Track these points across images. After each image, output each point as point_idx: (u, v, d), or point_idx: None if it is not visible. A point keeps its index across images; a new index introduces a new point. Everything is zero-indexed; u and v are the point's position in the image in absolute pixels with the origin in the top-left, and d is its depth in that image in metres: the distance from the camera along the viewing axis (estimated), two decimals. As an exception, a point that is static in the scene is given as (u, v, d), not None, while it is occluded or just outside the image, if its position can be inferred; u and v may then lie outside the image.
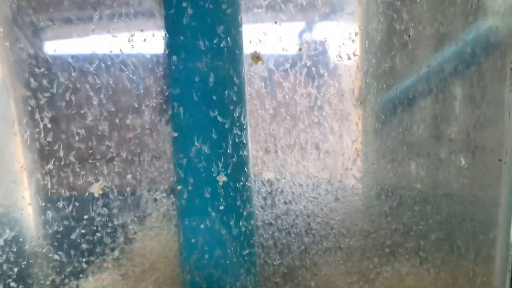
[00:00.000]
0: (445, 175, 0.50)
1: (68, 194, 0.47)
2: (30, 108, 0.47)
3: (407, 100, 0.51)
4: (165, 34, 0.40)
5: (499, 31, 0.47)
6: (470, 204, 0.48)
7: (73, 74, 0.46)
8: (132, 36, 0.45)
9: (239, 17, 0.40)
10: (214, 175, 0.40)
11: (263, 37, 0.46)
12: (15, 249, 0.45)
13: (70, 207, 0.47)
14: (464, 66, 0.48)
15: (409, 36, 0.46)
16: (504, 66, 0.46)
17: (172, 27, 0.40)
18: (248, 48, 0.43)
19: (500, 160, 0.45)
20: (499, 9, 0.47)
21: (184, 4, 0.39)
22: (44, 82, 0.46)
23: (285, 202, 0.49)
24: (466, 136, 0.49)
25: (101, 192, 0.43)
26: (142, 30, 0.45)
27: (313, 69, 0.48)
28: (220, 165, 0.41)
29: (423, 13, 0.50)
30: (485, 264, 0.48)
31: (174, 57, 0.40)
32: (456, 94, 0.50)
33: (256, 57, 0.38)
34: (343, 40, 0.49)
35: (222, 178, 0.38)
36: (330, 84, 0.49)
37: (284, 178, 0.49)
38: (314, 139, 0.50)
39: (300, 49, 0.44)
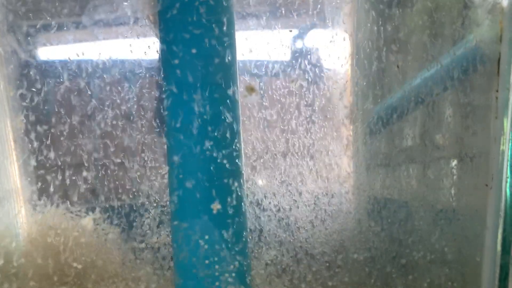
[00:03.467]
0: (432, 194, 0.50)
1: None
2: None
3: (395, 114, 0.51)
4: (159, 43, 0.40)
5: (484, 45, 0.48)
6: (457, 225, 0.49)
7: (63, 80, 0.46)
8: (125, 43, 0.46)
9: (233, 26, 0.40)
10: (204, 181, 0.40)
11: (255, 45, 0.46)
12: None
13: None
14: (450, 83, 0.49)
15: (398, 67, 0.47)
16: (490, 95, 0.47)
17: (165, 35, 0.40)
18: (240, 55, 0.43)
19: (487, 185, 0.47)
20: (484, 22, 0.48)
21: (178, 14, 0.39)
22: (34, 86, 0.46)
23: (277, 210, 0.49)
24: (454, 158, 0.50)
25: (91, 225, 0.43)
26: (138, 37, 0.45)
27: (304, 77, 0.49)
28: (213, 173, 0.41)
29: (412, 26, 0.50)
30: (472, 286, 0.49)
31: (167, 66, 0.40)
32: (444, 109, 0.50)
33: (250, 89, 0.39)
34: (334, 49, 0.49)
35: (216, 206, 0.38)
36: (321, 92, 0.49)
37: (274, 187, 0.49)
38: (304, 148, 0.50)
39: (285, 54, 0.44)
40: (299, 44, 0.49)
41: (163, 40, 0.39)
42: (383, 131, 0.52)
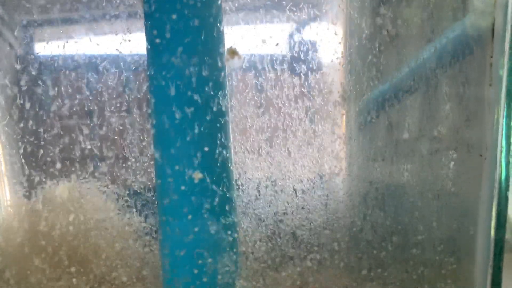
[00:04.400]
0: (427, 172, 0.50)
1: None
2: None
3: (390, 99, 0.51)
4: (145, 33, 0.40)
5: (480, 28, 0.47)
6: (452, 200, 0.48)
7: (56, 75, 0.46)
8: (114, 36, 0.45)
9: (220, 16, 0.40)
10: (192, 172, 0.40)
11: (245, 37, 0.45)
12: None
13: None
14: (446, 63, 0.49)
15: (387, 31, 0.46)
16: (484, 62, 0.46)
17: (151, 26, 0.40)
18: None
19: (481, 155, 0.46)
20: (479, 5, 0.47)
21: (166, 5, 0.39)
22: (27, 81, 0.46)
23: (268, 201, 0.49)
24: (448, 133, 0.49)
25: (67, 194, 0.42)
26: (128, 31, 0.45)
27: (296, 68, 0.48)
28: (200, 163, 0.40)
29: (406, 10, 0.50)
30: (466, 259, 0.48)
31: (154, 55, 0.40)
32: (438, 92, 0.50)
33: (232, 52, 0.38)
34: (326, 38, 0.49)
35: (197, 175, 0.37)
36: (314, 82, 0.49)
37: (266, 176, 0.49)
38: (297, 138, 0.50)
39: (277, 44, 0.44)
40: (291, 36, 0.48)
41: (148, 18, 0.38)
42: (382, 106, 0.51)
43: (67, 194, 0.41)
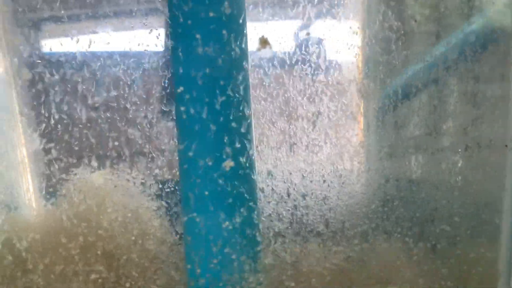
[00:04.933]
0: (450, 165, 0.50)
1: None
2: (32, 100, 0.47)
3: (409, 93, 0.51)
4: (168, 28, 0.40)
5: (502, 24, 0.47)
6: (476, 191, 0.48)
7: (73, 70, 0.46)
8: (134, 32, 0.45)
9: (244, 12, 0.40)
10: (218, 165, 0.40)
11: (266, 33, 0.45)
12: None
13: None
14: (467, 57, 0.49)
15: (415, 21, 0.46)
16: (508, 56, 0.46)
17: (175, 22, 0.40)
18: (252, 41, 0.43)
19: (506, 146, 0.46)
20: (501, 1, 0.47)
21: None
22: (45, 76, 0.46)
23: (287, 195, 0.49)
24: (470, 126, 0.49)
25: (101, 180, 0.43)
26: (146, 26, 0.45)
27: (314, 64, 0.48)
28: (225, 155, 0.41)
29: (425, 5, 0.50)
30: (490, 250, 0.48)
31: (178, 51, 0.40)
32: (460, 84, 0.50)
33: (263, 41, 0.38)
34: (344, 33, 0.49)
35: (229, 163, 0.38)
36: (332, 78, 0.49)
37: (283, 172, 0.49)
38: (316, 133, 0.50)
39: (308, 34, 0.44)
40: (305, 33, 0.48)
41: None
42: (401, 101, 0.51)
43: (101, 180, 0.42)
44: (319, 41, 0.48)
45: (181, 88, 0.40)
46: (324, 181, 0.50)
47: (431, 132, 0.51)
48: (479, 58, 0.48)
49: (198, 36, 0.38)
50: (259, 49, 0.38)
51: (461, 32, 0.49)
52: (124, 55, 0.46)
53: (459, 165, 0.49)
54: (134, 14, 0.45)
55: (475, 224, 0.48)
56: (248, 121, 0.40)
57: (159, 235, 0.47)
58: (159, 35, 0.45)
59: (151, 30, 0.45)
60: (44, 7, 0.46)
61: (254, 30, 0.44)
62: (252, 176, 0.42)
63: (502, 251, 0.47)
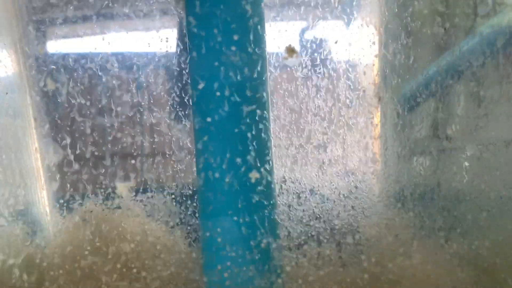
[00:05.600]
0: (471, 171, 0.49)
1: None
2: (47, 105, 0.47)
3: (426, 95, 0.50)
4: (186, 31, 0.40)
5: None
6: (499, 199, 0.47)
7: (91, 72, 0.46)
8: (153, 34, 0.45)
9: (262, 15, 0.40)
10: (238, 171, 0.40)
11: (284, 37, 0.45)
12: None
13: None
14: (484, 59, 0.48)
15: (445, 29, 0.45)
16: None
17: (193, 24, 0.40)
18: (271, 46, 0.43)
19: None
20: None
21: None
22: (62, 80, 0.46)
23: (305, 198, 0.49)
24: (491, 131, 0.48)
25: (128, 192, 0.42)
26: (162, 28, 0.45)
27: (330, 66, 0.48)
28: (244, 162, 0.40)
29: (441, 6, 0.49)
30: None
31: (195, 54, 0.40)
32: (477, 88, 0.49)
33: (290, 50, 0.38)
34: (360, 37, 0.48)
35: (255, 175, 0.37)
36: (349, 80, 0.49)
37: (302, 176, 0.49)
38: (332, 136, 0.49)
39: (336, 42, 0.44)
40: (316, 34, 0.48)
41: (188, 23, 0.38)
42: (418, 103, 0.50)
43: (126, 192, 0.41)
44: (335, 44, 0.48)
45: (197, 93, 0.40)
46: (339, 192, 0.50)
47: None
48: (497, 59, 0.48)
49: (215, 38, 0.38)
50: (285, 58, 0.37)
51: (480, 34, 0.48)
52: (143, 57, 0.46)
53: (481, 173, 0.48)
54: (153, 16, 0.45)
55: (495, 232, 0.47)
56: (267, 126, 0.40)
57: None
58: (171, 37, 0.44)
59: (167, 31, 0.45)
60: (59, 11, 0.45)
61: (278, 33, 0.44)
62: (271, 184, 0.41)
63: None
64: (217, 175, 0.40)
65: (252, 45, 0.38)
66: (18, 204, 0.46)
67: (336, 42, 0.44)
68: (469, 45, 0.49)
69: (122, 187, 0.41)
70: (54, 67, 0.46)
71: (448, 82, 0.49)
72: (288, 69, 0.46)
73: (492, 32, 0.48)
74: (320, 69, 0.47)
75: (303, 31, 0.47)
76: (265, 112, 0.39)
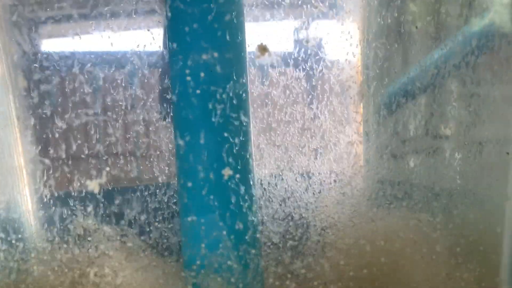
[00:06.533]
0: (450, 171, 0.49)
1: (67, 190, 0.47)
2: (29, 104, 0.47)
3: (409, 95, 0.51)
4: (166, 29, 0.40)
5: (503, 24, 0.47)
6: (477, 198, 0.48)
7: (73, 71, 0.46)
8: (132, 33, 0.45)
9: (242, 15, 0.40)
10: (216, 169, 0.40)
11: (264, 35, 0.45)
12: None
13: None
14: (468, 59, 0.48)
15: (416, 27, 0.45)
16: (509, 58, 0.46)
17: (173, 22, 0.40)
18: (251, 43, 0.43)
19: (508, 153, 0.45)
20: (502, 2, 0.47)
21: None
22: (43, 78, 0.46)
23: (285, 199, 0.49)
24: (471, 131, 0.49)
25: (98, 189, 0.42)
26: (147, 29, 0.45)
27: (312, 66, 0.48)
28: (223, 159, 0.41)
29: (425, 6, 0.50)
30: (492, 258, 0.47)
31: (175, 52, 0.40)
32: (460, 88, 0.49)
33: (262, 49, 0.38)
34: (342, 35, 0.48)
35: (227, 172, 0.37)
36: (330, 79, 0.49)
37: (283, 174, 0.49)
38: (314, 136, 0.49)
39: (307, 42, 0.44)
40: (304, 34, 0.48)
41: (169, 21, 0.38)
42: (400, 103, 0.51)
43: (98, 189, 0.41)
44: (318, 43, 0.48)
45: (177, 91, 0.40)
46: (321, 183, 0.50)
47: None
48: (481, 59, 0.48)
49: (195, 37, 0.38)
50: (258, 57, 0.37)
51: (462, 35, 0.48)
52: (124, 56, 0.46)
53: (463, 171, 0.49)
54: (133, 15, 0.45)
55: (475, 230, 0.48)
56: (246, 124, 0.40)
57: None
58: (155, 35, 0.44)
59: (148, 30, 0.45)
60: (42, 8, 0.46)
61: (253, 32, 0.44)
62: (250, 181, 0.41)
63: (504, 260, 0.46)
64: (197, 173, 0.40)
65: (231, 44, 0.38)
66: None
67: (307, 42, 0.44)
68: (451, 46, 0.49)
69: (94, 184, 0.41)
70: (37, 65, 0.46)
71: (432, 81, 0.50)
72: (268, 68, 0.46)
73: (474, 33, 0.48)
74: (300, 67, 0.48)
75: (296, 30, 0.48)
76: (245, 111, 0.40)
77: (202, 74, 0.39)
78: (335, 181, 0.50)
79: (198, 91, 0.39)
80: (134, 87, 0.47)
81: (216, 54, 0.38)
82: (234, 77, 0.39)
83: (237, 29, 0.39)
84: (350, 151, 0.51)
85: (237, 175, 0.40)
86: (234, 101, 0.40)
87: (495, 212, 0.47)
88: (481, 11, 0.48)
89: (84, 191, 0.45)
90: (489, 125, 0.48)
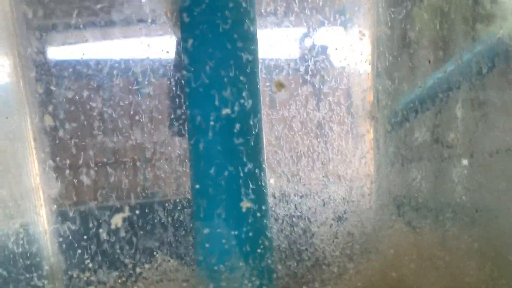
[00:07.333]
0: (461, 182, 0.49)
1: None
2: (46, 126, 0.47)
3: (420, 107, 0.51)
4: (180, 42, 0.40)
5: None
6: (491, 210, 0.48)
7: (86, 81, 0.46)
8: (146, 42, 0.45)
9: (255, 24, 0.40)
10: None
11: (274, 44, 0.46)
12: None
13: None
14: (478, 72, 0.48)
15: (429, 62, 0.46)
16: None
17: (187, 33, 0.40)
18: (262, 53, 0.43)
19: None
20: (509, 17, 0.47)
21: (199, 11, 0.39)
22: (56, 88, 0.46)
23: (296, 208, 0.49)
24: (481, 142, 0.49)
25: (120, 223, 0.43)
26: (160, 35, 0.45)
27: (324, 77, 0.48)
28: (238, 177, 0.41)
29: (433, 20, 0.50)
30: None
31: (189, 64, 0.40)
32: (470, 101, 0.50)
33: (279, 85, 0.38)
34: (353, 48, 0.49)
35: (246, 204, 0.38)
36: (340, 91, 0.49)
37: (296, 186, 0.49)
38: (324, 148, 0.49)
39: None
40: (314, 42, 0.48)
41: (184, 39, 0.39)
42: (405, 127, 0.51)
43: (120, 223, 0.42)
44: (326, 51, 0.48)
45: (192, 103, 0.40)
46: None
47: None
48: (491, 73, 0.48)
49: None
50: (275, 92, 0.38)
51: (472, 50, 0.49)
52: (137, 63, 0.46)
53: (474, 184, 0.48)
54: (146, 22, 0.45)
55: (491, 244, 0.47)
56: (259, 132, 0.40)
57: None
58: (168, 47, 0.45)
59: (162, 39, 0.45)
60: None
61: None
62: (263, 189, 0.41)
63: None
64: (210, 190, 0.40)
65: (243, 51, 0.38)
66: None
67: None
68: (463, 59, 0.49)
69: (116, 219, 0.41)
70: (53, 88, 0.46)
71: (443, 93, 0.50)
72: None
73: (484, 48, 0.48)
74: (311, 79, 0.48)
75: (302, 37, 0.48)
76: (257, 121, 0.40)
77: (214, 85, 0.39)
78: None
79: (212, 104, 0.39)
80: (150, 100, 0.47)
81: (229, 67, 0.39)
82: (247, 87, 0.39)
83: (249, 38, 0.39)
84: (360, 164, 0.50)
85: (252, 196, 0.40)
86: (247, 112, 0.39)
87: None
88: (492, 25, 0.49)
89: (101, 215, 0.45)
90: (499, 136, 0.48)
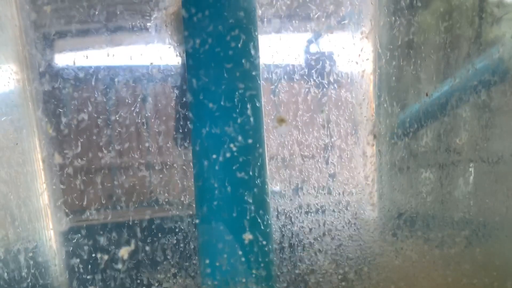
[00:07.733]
0: (465, 194, 0.49)
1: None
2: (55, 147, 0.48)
3: (424, 119, 0.51)
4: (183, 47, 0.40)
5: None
6: (497, 223, 0.47)
7: (93, 87, 0.46)
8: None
9: (256, 29, 0.41)
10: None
11: (276, 49, 0.46)
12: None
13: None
14: (480, 88, 0.49)
15: (426, 95, 0.46)
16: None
17: (190, 35, 0.41)
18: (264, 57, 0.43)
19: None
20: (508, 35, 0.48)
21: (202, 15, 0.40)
22: (67, 121, 0.47)
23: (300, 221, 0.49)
24: (486, 156, 0.49)
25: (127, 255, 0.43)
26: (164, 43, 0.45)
27: (325, 84, 0.48)
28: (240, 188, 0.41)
29: (435, 34, 0.50)
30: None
31: (192, 70, 0.40)
32: (474, 115, 0.50)
33: (281, 120, 0.39)
34: (357, 55, 0.49)
35: (248, 236, 0.38)
36: (343, 99, 0.49)
37: (299, 196, 0.49)
38: (326, 158, 0.50)
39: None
40: (316, 48, 0.48)
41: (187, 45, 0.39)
42: (406, 140, 0.51)
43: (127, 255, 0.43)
44: (330, 57, 0.48)
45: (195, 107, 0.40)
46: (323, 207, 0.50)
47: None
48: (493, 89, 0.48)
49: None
50: (275, 127, 0.39)
51: (472, 68, 0.49)
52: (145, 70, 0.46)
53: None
54: (150, 30, 0.46)
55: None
56: (260, 137, 0.41)
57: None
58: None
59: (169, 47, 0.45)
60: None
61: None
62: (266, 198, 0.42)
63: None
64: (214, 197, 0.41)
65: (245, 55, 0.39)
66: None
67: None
68: (463, 78, 0.50)
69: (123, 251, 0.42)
70: (61, 110, 0.47)
71: (448, 105, 0.50)
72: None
73: (485, 67, 0.48)
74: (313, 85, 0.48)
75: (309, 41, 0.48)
76: (259, 130, 0.40)
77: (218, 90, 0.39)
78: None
79: (214, 107, 0.40)
80: (154, 107, 0.47)
81: (230, 70, 0.39)
82: (249, 95, 0.39)
83: (250, 42, 0.39)
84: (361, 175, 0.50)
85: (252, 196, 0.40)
86: (249, 119, 0.40)
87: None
88: (491, 47, 0.49)
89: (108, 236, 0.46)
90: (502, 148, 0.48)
